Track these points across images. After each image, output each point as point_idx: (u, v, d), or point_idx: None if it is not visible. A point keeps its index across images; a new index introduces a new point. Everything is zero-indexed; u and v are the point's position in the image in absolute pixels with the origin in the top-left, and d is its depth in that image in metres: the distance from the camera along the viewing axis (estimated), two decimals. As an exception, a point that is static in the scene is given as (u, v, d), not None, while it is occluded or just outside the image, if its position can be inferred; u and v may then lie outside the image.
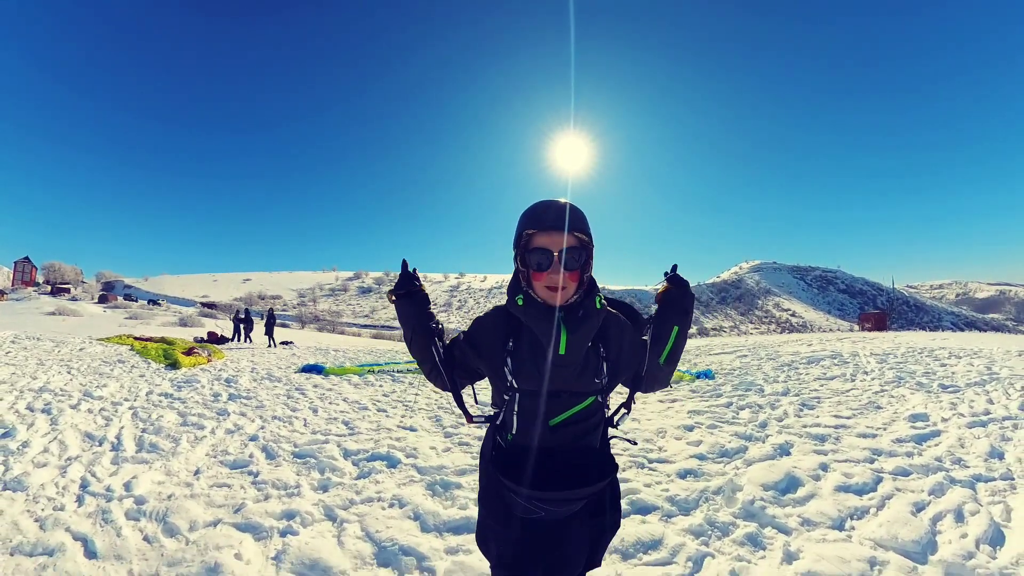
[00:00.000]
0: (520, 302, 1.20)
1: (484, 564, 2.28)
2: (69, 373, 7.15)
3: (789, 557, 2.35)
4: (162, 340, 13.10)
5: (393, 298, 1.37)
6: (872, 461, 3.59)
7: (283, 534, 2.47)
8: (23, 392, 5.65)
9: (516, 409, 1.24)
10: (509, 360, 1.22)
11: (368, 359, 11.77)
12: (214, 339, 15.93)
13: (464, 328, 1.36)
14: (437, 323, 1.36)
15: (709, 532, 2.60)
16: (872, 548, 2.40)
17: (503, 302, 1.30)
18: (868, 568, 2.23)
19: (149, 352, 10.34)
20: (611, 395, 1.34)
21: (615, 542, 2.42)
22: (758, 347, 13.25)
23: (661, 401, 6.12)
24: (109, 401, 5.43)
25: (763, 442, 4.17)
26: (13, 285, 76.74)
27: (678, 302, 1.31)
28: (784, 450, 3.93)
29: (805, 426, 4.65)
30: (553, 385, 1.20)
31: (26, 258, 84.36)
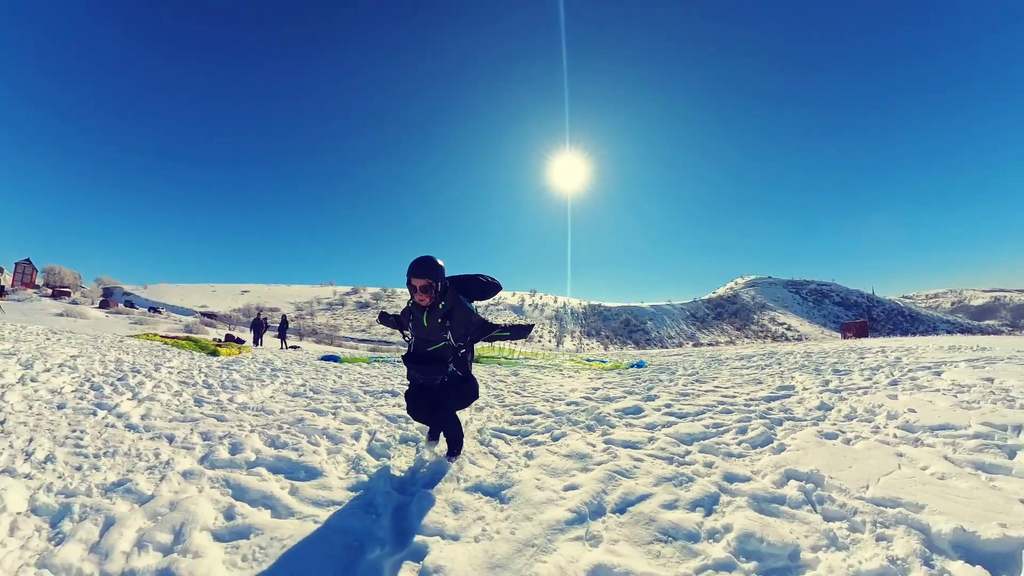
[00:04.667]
0: (411, 304, 2.82)
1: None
2: (128, 355, 8.35)
3: (604, 435, 3.53)
4: (187, 338, 14.68)
5: (382, 315, 3.27)
6: (711, 407, 4.28)
7: (334, 415, 4.26)
8: (104, 362, 6.76)
9: (411, 342, 2.87)
10: (410, 325, 2.83)
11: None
12: (231, 340, 17.56)
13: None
14: (396, 315, 3.15)
15: (564, 422, 3.98)
16: (660, 437, 3.37)
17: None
18: (645, 440, 3.29)
19: (183, 345, 11.86)
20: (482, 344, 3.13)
21: (504, 424, 4.05)
22: (705, 350, 14.87)
23: (591, 378, 7.53)
24: (180, 369, 6.98)
25: (639, 395, 5.14)
26: (13, 286, 76.10)
27: (521, 332, 2.98)
28: (650, 398, 4.91)
29: (681, 390, 5.37)
30: (423, 335, 2.79)
31: (27, 260, 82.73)
